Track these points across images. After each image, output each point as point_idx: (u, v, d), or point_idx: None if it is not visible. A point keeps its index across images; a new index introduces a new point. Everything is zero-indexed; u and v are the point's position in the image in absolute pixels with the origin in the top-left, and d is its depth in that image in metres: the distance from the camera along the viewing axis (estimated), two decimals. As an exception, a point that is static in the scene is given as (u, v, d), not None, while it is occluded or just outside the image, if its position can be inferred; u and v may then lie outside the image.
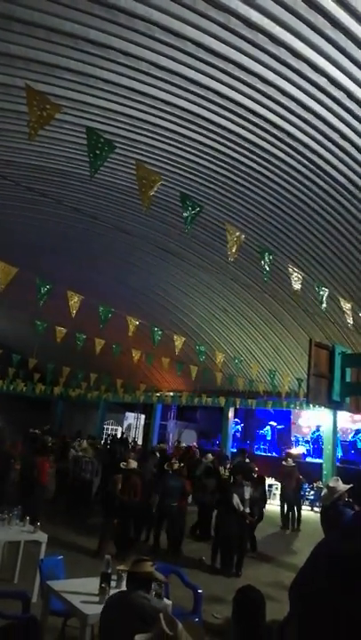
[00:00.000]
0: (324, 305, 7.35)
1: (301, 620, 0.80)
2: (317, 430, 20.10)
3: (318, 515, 12.79)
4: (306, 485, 15.50)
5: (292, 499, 11.94)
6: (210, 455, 13.66)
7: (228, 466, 13.68)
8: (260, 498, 9.18)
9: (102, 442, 20.82)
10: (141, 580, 3.09)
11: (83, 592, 3.94)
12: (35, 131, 3.64)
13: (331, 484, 6.44)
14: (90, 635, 3.80)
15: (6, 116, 7.74)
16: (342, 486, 5.67)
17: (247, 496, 8.39)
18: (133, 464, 8.23)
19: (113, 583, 4.09)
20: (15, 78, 6.83)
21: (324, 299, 7.29)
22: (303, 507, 14.81)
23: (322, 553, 0.88)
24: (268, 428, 22.51)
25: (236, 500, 7.85)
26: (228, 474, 11.44)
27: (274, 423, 22.64)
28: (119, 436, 24.88)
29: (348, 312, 7.66)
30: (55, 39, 6.34)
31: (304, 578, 0.88)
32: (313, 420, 20.70)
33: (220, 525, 7.98)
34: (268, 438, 22.10)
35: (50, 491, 9.57)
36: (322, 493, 8.44)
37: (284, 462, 12.89)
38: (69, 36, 6.29)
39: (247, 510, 8.25)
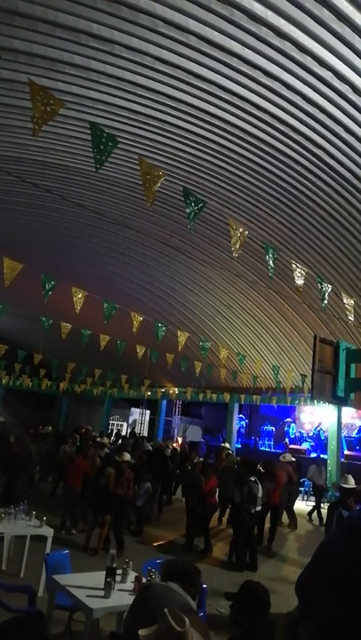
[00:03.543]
0: (326, 301, 7.31)
1: (315, 618, 0.80)
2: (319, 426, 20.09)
3: (321, 509, 12.81)
4: (308, 481, 15.52)
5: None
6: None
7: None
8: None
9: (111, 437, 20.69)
10: (178, 574, 3.07)
11: (88, 586, 3.96)
12: (39, 126, 3.64)
13: (342, 484, 6.45)
14: (95, 628, 3.82)
15: (10, 111, 7.73)
16: (353, 484, 5.68)
17: (260, 493, 7.98)
18: (127, 456, 8.21)
19: (118, 578, 4.11)
20: (19, 73, 6.82)
21: (327, 295, 7.25)
22: (308, 502, 14.90)
23: (329, 549, 0.88)
24: (293, 425, 22.25)
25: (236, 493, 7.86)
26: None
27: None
28: (126, 431, 24.97)
29: (349, 308, 7.62)
30: (58, 34, 6.32)
31: (311, 574, 0.88)
32: (316, 416, 20.68)
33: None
34: (292, 436, 21.83)
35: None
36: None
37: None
38: (73, 30, 6.27)
39: (258, 508, 7.95)
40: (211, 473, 9.07)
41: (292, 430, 22.03)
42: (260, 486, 8.07)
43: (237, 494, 7.91)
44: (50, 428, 17.61)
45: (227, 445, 14.77)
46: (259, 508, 8.06)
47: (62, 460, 11.27)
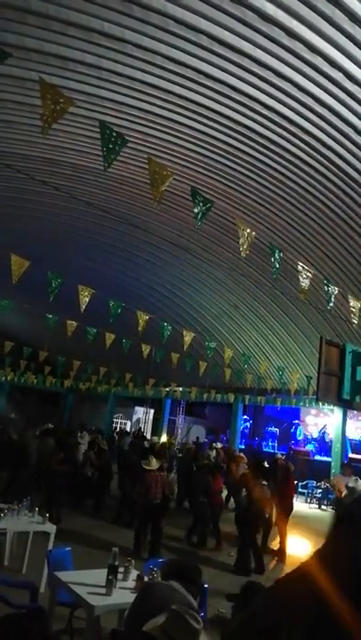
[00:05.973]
0: (331, 304, 7.29)
1: (312, 621, 0.79)
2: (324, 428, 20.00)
3: (324, 512, 12.79)
4: (313, 483, 15.48)
5: None
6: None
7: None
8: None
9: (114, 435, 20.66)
10: (179, 573, 3.07)
11: (90, 584, 3.96)
12: (48, 124, 3.65)
13: (350, 485, 6.45)
14: (96, 626, 3.83)
15: (20, 109, 7.77)
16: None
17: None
18: (153, 463, 8.09)
19: (120, 576, 4.11)
20: (30, 72, 6.85)
21: (333, 297, 7.23)
22: (311, 504, 14.83)
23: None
24: (300, 427, 22.06)
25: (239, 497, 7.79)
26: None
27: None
28: (128, 430, 24.97)
29: (355, 311, 7.59)
30: (70, 32, 6.34)
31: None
32: (321, 418, 20.61)
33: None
34: (299, 437, 21.57)
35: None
36: (343, 494, 8.27)
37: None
38: (85, 29, 6.28)
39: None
40: (218, 474, 9.12)
41: (299, 432, 21.96)
42: (268, 491, 7.90)
43: (245, 497, 7.81)
44: (50, 425, 17.49)
45: (218, 445, 14.50)
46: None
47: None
